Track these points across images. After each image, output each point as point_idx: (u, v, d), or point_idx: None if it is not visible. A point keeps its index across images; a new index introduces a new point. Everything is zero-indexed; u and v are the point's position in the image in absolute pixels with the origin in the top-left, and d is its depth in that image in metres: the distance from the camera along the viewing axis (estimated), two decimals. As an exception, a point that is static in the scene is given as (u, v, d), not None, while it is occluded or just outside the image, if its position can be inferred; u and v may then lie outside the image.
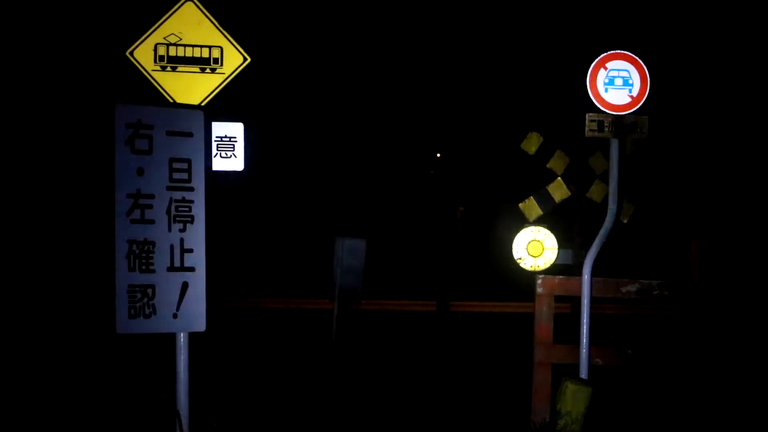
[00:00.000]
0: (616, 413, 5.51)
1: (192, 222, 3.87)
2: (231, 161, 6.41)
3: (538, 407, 5.18)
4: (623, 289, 5.29)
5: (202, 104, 5.24)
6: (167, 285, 3.81)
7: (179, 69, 5.20)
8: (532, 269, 8.62)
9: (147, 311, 3.76)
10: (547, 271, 8.55)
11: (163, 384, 4.49)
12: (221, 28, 5.26)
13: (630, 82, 5.22)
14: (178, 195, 3.84)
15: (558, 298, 5.31)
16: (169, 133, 3.82)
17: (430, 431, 5.76)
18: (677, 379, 5.99)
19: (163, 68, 5.18)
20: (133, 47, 5.14)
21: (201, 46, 5.22)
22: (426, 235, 18.87)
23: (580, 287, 5.18)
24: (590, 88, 5.22)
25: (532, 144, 7.94)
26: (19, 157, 12.15)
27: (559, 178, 7.99)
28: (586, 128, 5.23)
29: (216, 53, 5.25)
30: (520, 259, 8.70)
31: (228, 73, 5.29)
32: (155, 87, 5.19)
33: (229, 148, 6.38)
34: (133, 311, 3.73)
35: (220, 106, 5.49)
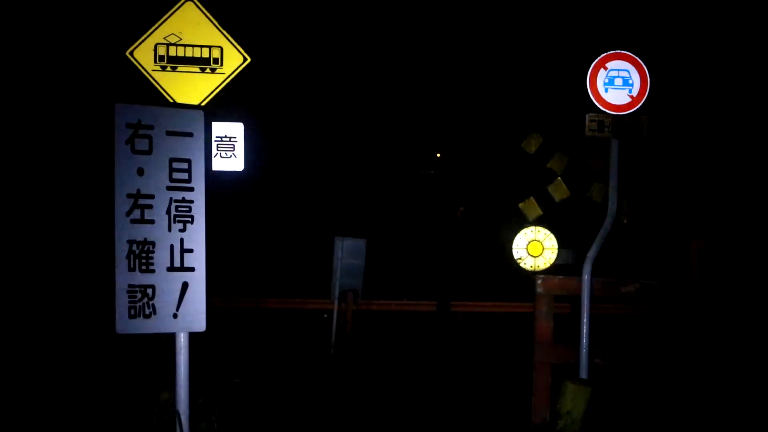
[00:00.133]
0: (616, 413, 5.51)
1: (192, 222, 3.87)
2: (231, 161, 6.42)
3: (538, 407, 5.18)
4: (623, 290, 5.29)
5: (202, 104, 5.24)
6: (167, 285, 3.81)
7: (179, 69, 5.20)
8: (532, 269, 8.63)
9: (147, 311, 3.76)
10: (547, 271, 8.55)
11: (163, 384, 4.49)
12: (221, 28, 5.26)
13: (630, 82, 5.22)
14: (178, 195, 3.84)
15: (558, 298, 5.31)
16: (169, 133, 3.83)
17: (431, 431, 5.76)
18: (677, 379, 5.99)
19: (163, 68, 5.18)
20: (133, 47, 5.14)
21: (201, 46, 5.22)
22: (426, 235, 18.86)
23: (580, 287, 5.18)
24: (590, 88, 5.22)
25: (532, 144, 7.93)
26: (20, 157, 12.15)
27: (559, 178, 7.99)
28: (586, 128, 5.24)
29: (216, 53, 5.26)
30: (520, 259, 8.71)
31: (228, 73, 5.29)
32: (155, 87, 5.19)
33: (229, 148, 6.39)
34: (133, 311, 3.73)
35: (220, 106, 5.49)
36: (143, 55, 5.15)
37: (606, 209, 5.37)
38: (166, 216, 3.81)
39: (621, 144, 5.35)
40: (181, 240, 3.84)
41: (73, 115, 12.64)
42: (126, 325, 3.73)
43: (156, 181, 3.79)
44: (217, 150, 6.34)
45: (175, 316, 3.83)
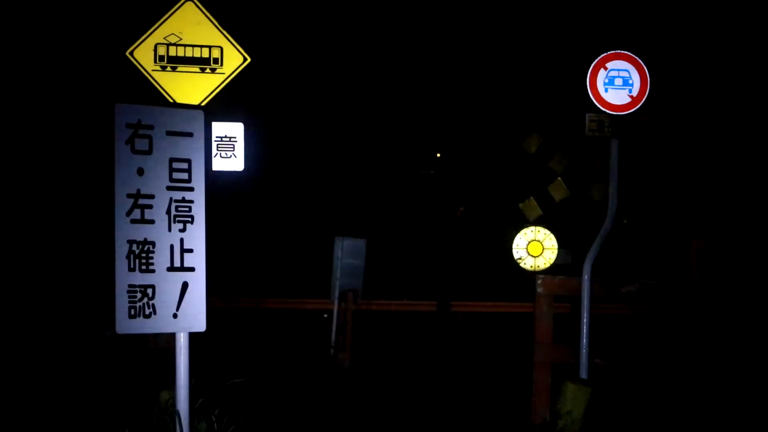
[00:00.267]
0: (616, 413, 5.51)
1: (192, 222, 3.87)
2: (231, 161, 6.42)
3: (538, 407, 5.18)
4: (623, 290, 5.29)
5: (202, 104, 5.24)
6: (167, 285, 3.81)
7: (179, 69, 5.20)
8: (532, 269, 8.63)
9: (147, 311, 3.77)
10: (547, 271, 8.55)
11: (163, 384, 4.49)
12: (221, 28, 5.26)
13: (630, 82, 5.22)
14: (178, 195, 3.84)
15: (558, 298, 5.31)
16: (169, 133, 3.83)
17: (431, 431, 5.76)
18: (677, 379, 5.99)
19: (163, 68, 5.18)
20: (133, 47, 5.14)
21: (201, 46, 5.22)
22: (426, 235, 18.85)
23: (580, 287, 5.18)
24: (590, 88, 5.22)
25: (532, 144, 7.95)
26: (20, 157, 12.15)
27: (559, 178, 8.00)
28: (586, 128, 5.24)
29: (216, 53, 5.26)
30: (520, 259, 8.72)
31: (228, 73, 5.29)
32: (155, 87, 5.19)
33: (229, 148, 6.39)
34: (133, 311, 3.73)
35: (220, 106, 5.49)
36: (143, 55, 5.15)
37: (606, 209, 5.37)
38: (166, 216, 3.81)
39: (621, 144, 5.35)
40: (181, 240, 3.84)
41: (74, 115, 12.64)
42: (126, 325, 3.74)
43: (156, 181, 3.79)
44: (217, 150, 6.34)
45: (175, 316, 3.84)
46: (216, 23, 5.24)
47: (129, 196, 3.74)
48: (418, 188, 21.46)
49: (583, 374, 5.08)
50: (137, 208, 3.75)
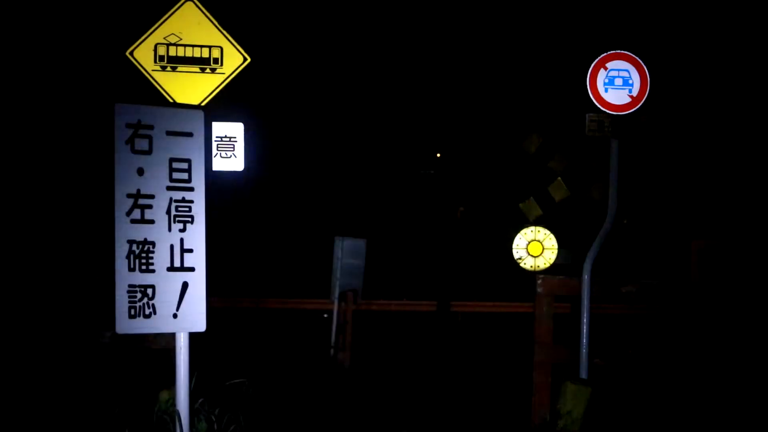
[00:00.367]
0: (616, 413, 5.51)
1: (192, 222, 3.87)
2: (231, 161, 6.41)
3: (538, 407, 5.18)
4: (623, 290, 5.29)
5: (202, 104, 5.24)
6: (167, 285, 3.81)
7: (179, 69, 5.20)
8: (532, 269, 8.63)
9: (147, 311, 3.77)
10: (547, 271, 8.55)
11: (163, 384, 4.49)
12: (221, 28, 5.26)
13: (630, 82, 5.22)
14: (178, 195, 3.84)
15: (558, 298, 5.31)
16: (169, 133, 3.83)
17: (432, 431, 5.76)
18: (677, 379, 5.99)
19: (163, 68, 5.18)
20: (133, 47, 5.14)
21: (201, 46, 5.22)
22: (426, 235, 18.85)
23: (580, 287, 5.18)
24: (590, 88, 5.22)
25: (532, 144, 7.95)
26: (19, 157, 12.15)
27: (559, 178, 8.01)
28: (586, 128, 5.24)
29: (216, 53, 5.26)
30: (520, 259, 8.71)
31: (228, 73, 5.29)
32: (155, 87, 5.19)
33: (229, 148, 6.38)
34: (133, 311, 3.73)
35: (220, 106, 5.49)
36: (143, 55, 5.15)
37: (606, 209, 5.37)
38: (166, 216, 3.81)
39: (621, 144, 5.34)
40: (181, 240, 3.84)
41: (74, 115, 12.64)
42: (126, 325, 3.74)
43: (156, 181, 3.79)
44: (217, 150, 6.34)
45: (175, 316, 3.84)
46: (216, 23, 5.24)
47: (129, 196, 3.74)
48: (418, 188, 21.47)
49: (583, 374, 5.08)
50: (137, 208, 3.75)
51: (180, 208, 3.84)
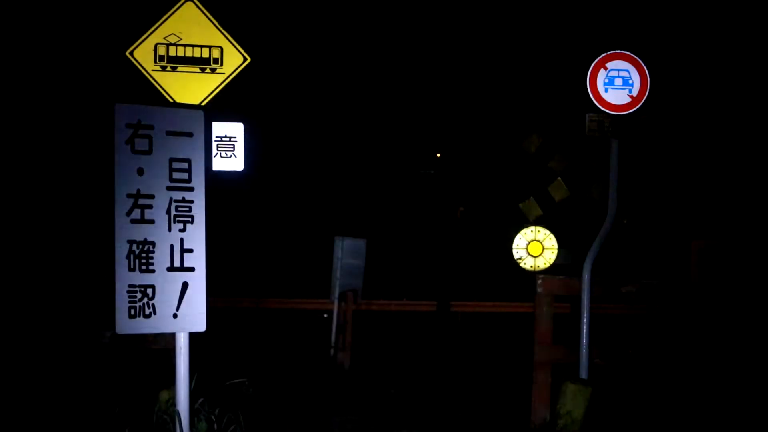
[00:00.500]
0: (616, 413, 5.51)
1: (192, 222, 3.87)
2: (231, 161, 6.41)
3: (538, 407, 5.18)
4: (623, 290, 5.29)
5: (202, 104, 5.24)
6: (167, 285, 3.81)
7: (179, 69, 5.20)
8: (532, 269, 8.63)
9: (147, 311, 3.77)
10: (546, 271, 8.55)
11: (163, 384, 4.49)
12: (221, 28, 5.26)
13: (630, 82, 5.22)
14: (178, 195, 3.84)
15: (558, 298, 5.31)
16: (169, 133, 3.83)
17: (432, 431, 5.76)
18: (677, 379, 5.99)
19: (163, 68, 5.18)
20: (133, 47, 5.14)
21: (201, 46, 5.22)
22: (426, 235, 18.85)
23: (580, 287, 5.18)
24: (590, 88, 5.22)
25: (532, 144, 7.95)
26: (19, 157, 12.14)
27: (559, 178, 8.00)
28: (586, 128, 5.23)
29: (216, 53, 5.26)
30: (520, 259, 8.71)
31: (228, 73, 5.29)
32: (155, 87, 5.19)
33: (229, 148, 6.38)
34: (133, 311, 3.73)
35: (220, 106, 5.49)
36: (143, 55, 5.15)
37: (606, 209, 5.37)
38: (166, 216, 3.81)
39: (621, 144, 5.34)
40: (181, 240, 3.84)
41: (74, 115, 12.64)
42: (126, 325, 3.74)
43: (156, 181, 3.79)
44: (217, 150, 6.34)
45: (175, 316, 3.84)
46: (216, 23, 5.24)
47: (129, 196, 3.74)
48: (418, 188, 21.46)
49: (583, 374, 5.08)
50: (137, 208, 3.75)
51: (180, 208, 3.84)
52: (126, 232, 3.73)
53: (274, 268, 14.60)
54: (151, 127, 3.78)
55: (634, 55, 5.25)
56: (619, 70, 5.23)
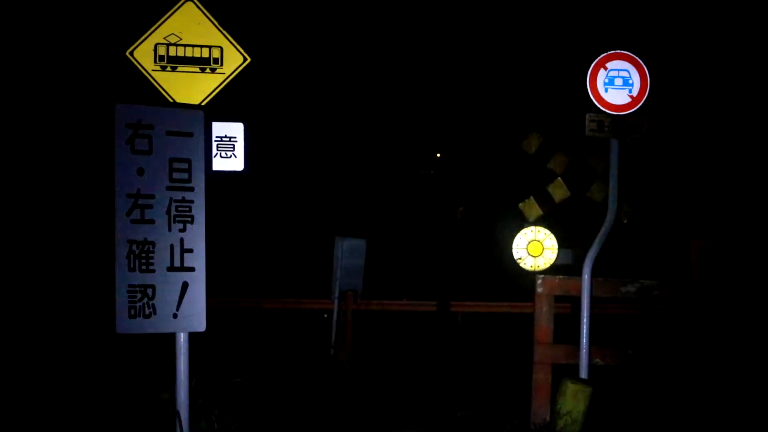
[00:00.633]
0: (616, 413, 5.51)
1: (192, 222, 3.87)
2: (231, 161, 6.40)
3: (538, 407, 5.18)
4: (623, 289, 5.28)
5: (202, 104, 5.24)
6: (167, 285, 3.81)
7: (179, 69, 5.20)
8: (532, 269, 8.62)
9: (147, 311, 3.76)
10: (546, 271, 8.54)
11: (163, 384, 4.49)
12: (221, 28, 5.26)
13: (630, 82, 5.22)
14: (178, 195, 3.84)
15: (558, 298, 5.31)
16: (169, 133, 3.83)
17: (431, 431, 5.76)
18: (677, 379, 5.99)
19: (163, 68, 5.18)
20: (133, 47, 5.14)
21: (201, 46, 5.22)
22: (426, 235, 18.86)
23: (580, 287, 5.18)
24: (590, 88, 5.22)
25: (532, 144, 7.93)
26: (20, 157, 12.15)
27: (559, 178, 7.99)
28: (586, 128, 5.23)
29: (216, 53, 5.26)
30: (520, 259, 8.70)
31: (228, 73, 5.29)
32: (155, 87, 5.20)
33: (229, 148, 6.38)
34: (133, 311, 3.73)
35: (220, 106, 5.49)
36: (143, 55, 5.15)
37: (606, 209, 5.37)
38: (166, 216, 3.81)
39: (621, 144, 5.34)
40: (181, 240, 3.84)
41: (74, 115, 12.64)
42: (126, 325, 3.73)
43: (156, 181, 3.79)
44: (217, 150, 6.33)
45: (175, 316, 3.83)
46: (216, 23, 5.24)
47: (129, 196, 3.73)
48: (418, 188, 21.48)
49: (583, 374, 5.08)
50: (137, 208, 3.75)
51: (180, 208, 3.84)
52: (126, 232, 3.73)
53: (274, 268, 14.61)
54: (151, 127, 3.78)
55: (634, 55, 5.25)
56: (619, 70, 5.23)
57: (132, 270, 3.73)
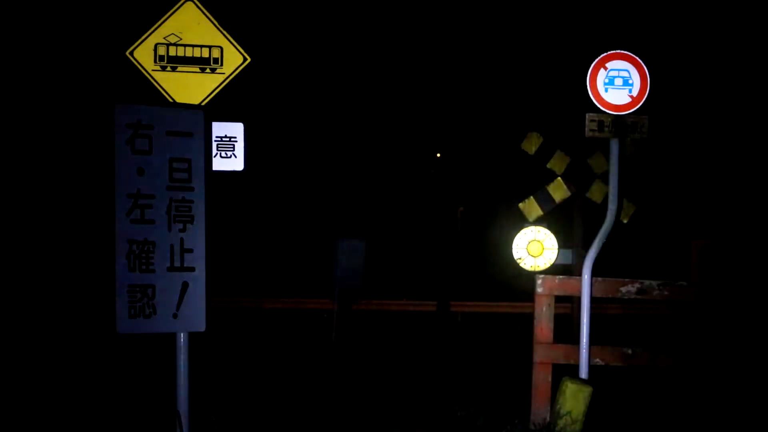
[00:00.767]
0: (616, 413, 5.51)
1: (192, 222, 3.87)
2: (231, 161, 6.40)
3: (538, 407, 5.18)
4: (623, 289, 5.28)
5: (202, 104, 5.24)
6: (167, 285, 3.81)
7: (179, 69, 5.20)
8: (532, 269, 8.61)
9: (147, 311, 3.77)
10: (547, 271, 8.54)
11: (163, 384, 4.49)
12: (221, 28, 5.26)
13: (630, 82, 5.22)
14: (178, 195, 3.84)
15: (558, 298, 5.30)
16: (169, 133, 3.83)
17: (431, 431, 5.76)
18: (677, 379, 5.99)
19: (163, 68, 5.18)
20: (133, 47, 5.14)
21: (201, 46, 5.22)
22: (426, 235, 18.86)
23: (580, 287, 5.18)
24: (590, 88, 5.22)
25: (532, 144, 7.93)
26: (20, 157, 12.15)
27: (559, 178, 7.99)
28: (586, 128, 5.23)
29: (216, 53, 5.26)
30: (520, 259, 8.69)
31: (228, 73, 5.29)
32: (155, 87, 5.20)
33: (229, 148, 6.37)
34: (133, 311, 3.73)
35: (220, 106, 5.50)
36: (143, 55, 5.15)
37: (606, 209, 5.37)
38: (166, 216, 3.81)
39: (621, 144, 5.34)
40: (181, 240, 3.84)
41: (74, 115, 12.64)
42: (126, 324, 3.74)
43: (156, 181, 3.79)
44: (217, 150, 6.33)
45: (175, 316, 3.84)
46: (216, 23, 5.24)
47: (129, 196, 3.74)
48: (418, 188, 21.48)
49: (583, 374, 5.08)
50: (137, 208, 3.75)
51: (180, 208, 3.84)
52: (126, 232, 3.73)
53: (275, 268, 14.61)
54: (151, 127, 3.78)
55: (634, 55, 5.25)
56: (619, 70, 5.23)
57: (132, 270, 3.73)
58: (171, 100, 5.16)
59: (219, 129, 6.34)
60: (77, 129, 12.57)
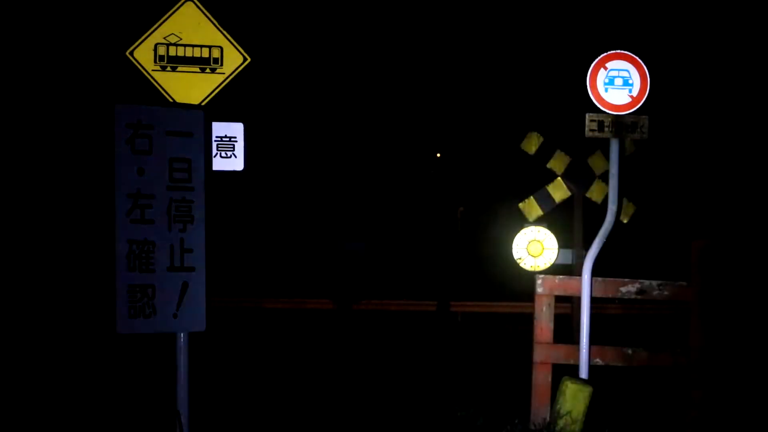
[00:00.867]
0: (616, 413, 5.51)
1: (192, 222, 3.87)
2: (231, 161, 6.39)
3: (538, 407, 5.18)
4: (623, 289, 5.28)
5: (202, 104, 5.24)
6: (167, 285, 3.81)
7: (179, 69, 5.20)
8: (532, 269, 8.61)
9: (147, 311, 3.76)
10: (546, 271, 8.54)
11: (163, 384, 4.49)
12: (221, 28, 5.26)
13: (630, 82, 5.22)
14: (178, 195, 3.84)
15: (558, 298, 5.30)
16: (169, 133, 3.83)
17: (430, 430, 5.76)
18: (677, 379, 5.98)
19: (163, 68, 5.18)
20: (133, 47, 5.14)
21: (201, 46, 5.22)
22: (426, 235, 18.87)
23: (580, 287, 5.18)
24: (590, 88, 5.22)
25: (532, 144, 7.95)
26: (20, 157, 12.15)
27: (559, 178, 8.00)
28: (586, 128, 5.23)
29: (216, 53, 5.26)
30: (520, 259, 8.69)
31: (228, 73, 5.29)
32: (155, 87, 5.20)
33: (229, 148, 6.37)
34: (133, 311, 3.73)
35: (220, 106, 5.50)
36: (143, 55, 5.15)
37: (606, 209, 5.37)
38: (166, 216, 3.81)
39: (621, 144, 5.34)
40: (181, 240, 3.84)
41: (74, 115, 12.65)
42: (126, 324, 3.73)
43: (156, 181, 3.79)
44: (217, 150, 6.33)
45: (175, 316, 3.84)
46: (216, 23, 5.24)
47: (129, 195, 3.73)
48: (418, 188, 21.49)
49: (583, 374, 5.08)
50: (137, 207, 3.75)
51: (180, 208, 3.84)
52: (126, 231, 3.73)
53: (275, 268, 14.61)
54: (151, 127, 3.78)
55: (634, 55, 5.25)
56: (619, 70, 5.23)
57: (132, 270, 3.73)
58: (171, 100, 5.16)
59: (219, 129, 6.34)
60: (77, 129, 12.57)
